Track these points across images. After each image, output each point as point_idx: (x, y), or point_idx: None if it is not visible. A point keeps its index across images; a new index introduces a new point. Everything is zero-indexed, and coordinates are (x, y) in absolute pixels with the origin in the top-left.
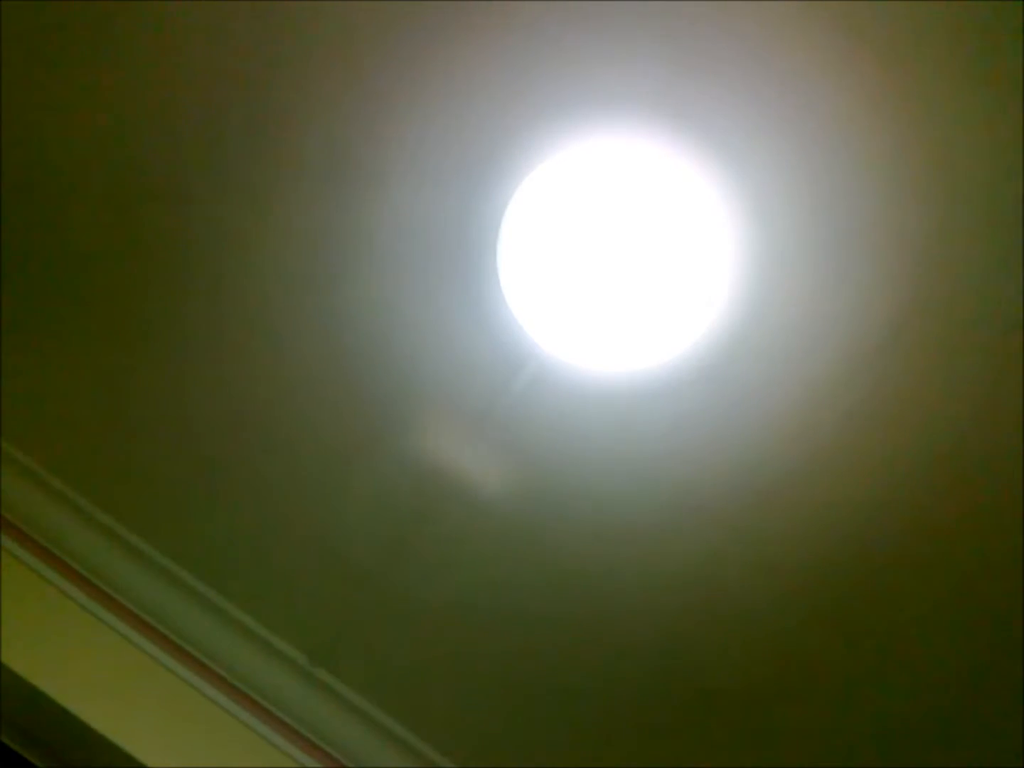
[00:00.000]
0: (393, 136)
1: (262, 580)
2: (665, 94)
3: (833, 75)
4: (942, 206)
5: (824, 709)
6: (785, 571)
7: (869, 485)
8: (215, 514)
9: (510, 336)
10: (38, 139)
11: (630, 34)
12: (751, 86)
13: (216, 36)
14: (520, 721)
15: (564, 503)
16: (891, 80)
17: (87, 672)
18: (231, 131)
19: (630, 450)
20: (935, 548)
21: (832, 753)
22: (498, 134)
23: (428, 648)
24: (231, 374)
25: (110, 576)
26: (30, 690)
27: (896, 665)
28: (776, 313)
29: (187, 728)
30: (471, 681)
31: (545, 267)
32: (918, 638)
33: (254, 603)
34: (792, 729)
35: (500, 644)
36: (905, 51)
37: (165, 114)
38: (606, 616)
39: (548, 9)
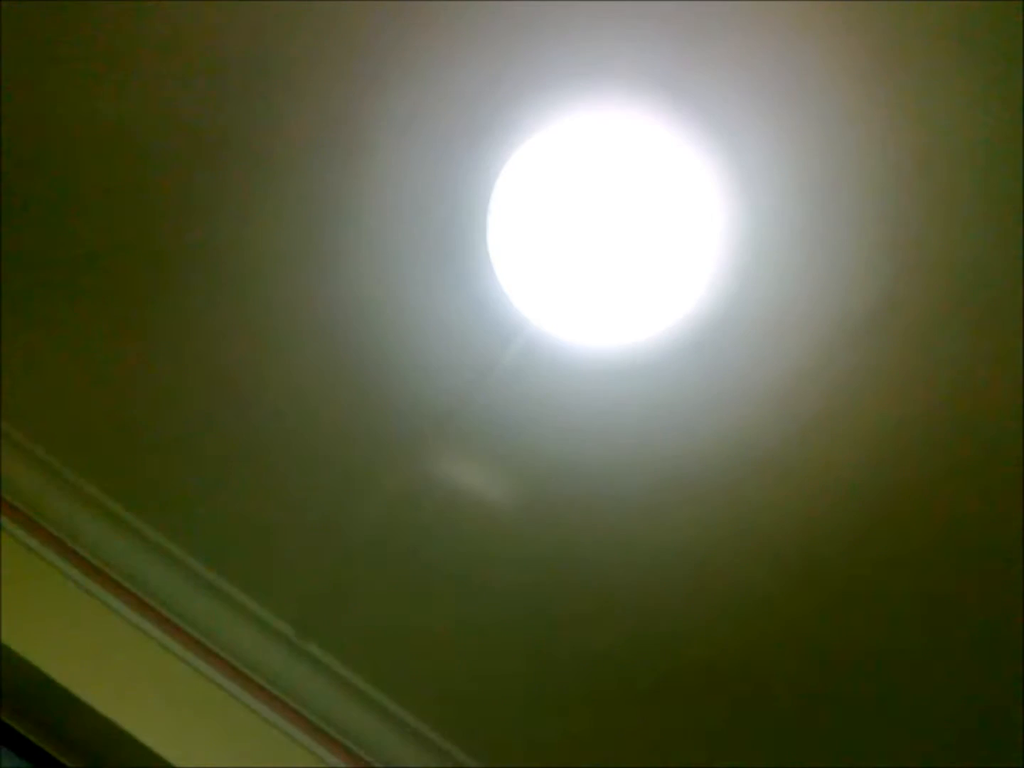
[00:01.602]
0: (382, 108)
1: (258, 559)
2: (657, 68)
3: (827, 56)
4: (933, 187)
5: (818, 683)
6: (775, 544)
7: (859, 459)
8: (213, 495)
9: (499, 310)
10: (39, 123)
11: (624, 8)
12: (745, 64)
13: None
14: (509, 692)
15: (554, 478)
16: (886, 62)
17: (86, 651)
18: (220, 100)
19: (619, 424)
20: (926, 522)
21: (824, 726)
22: (489, 106)
23: (418, 621)
24: (219, 348)
25: (108, 555)
26: (30, 669)
27: (886, 640)
28: (765, 287)
29: (184, 706)
30: (460, 653)
31: (535, 241)
32: (910, 614)
33: (249, 580)
34: (784, 703)
35: (488, 615)
36: (900, 35)
37: (160, 89)
38: (594, 589)
39: None
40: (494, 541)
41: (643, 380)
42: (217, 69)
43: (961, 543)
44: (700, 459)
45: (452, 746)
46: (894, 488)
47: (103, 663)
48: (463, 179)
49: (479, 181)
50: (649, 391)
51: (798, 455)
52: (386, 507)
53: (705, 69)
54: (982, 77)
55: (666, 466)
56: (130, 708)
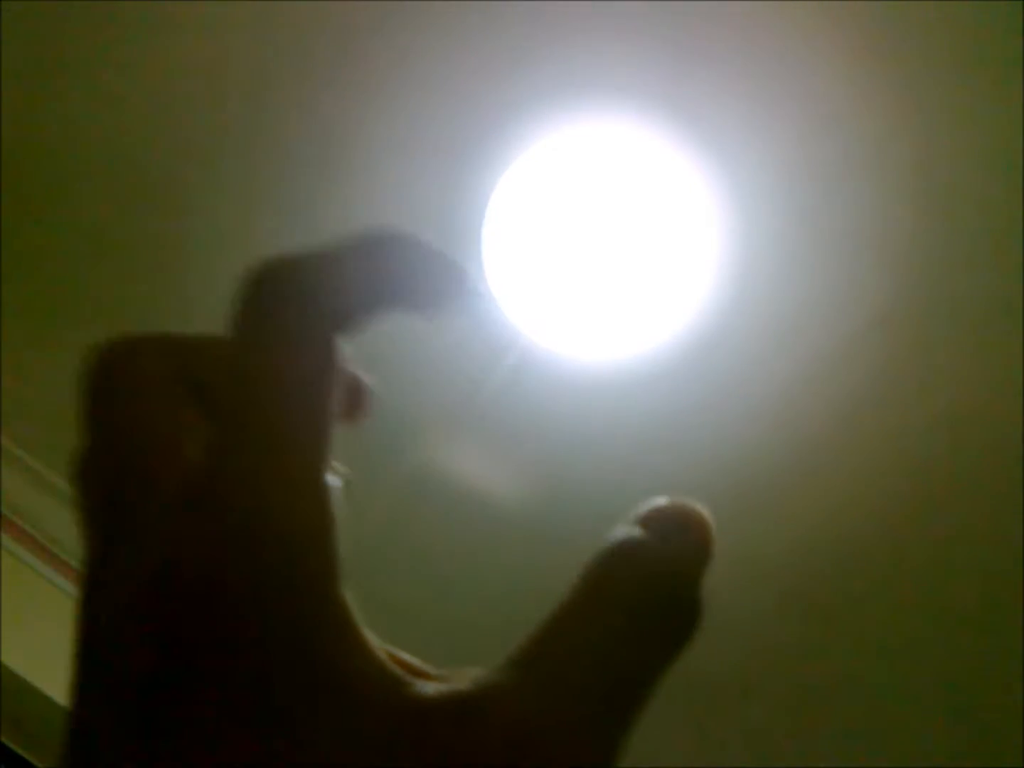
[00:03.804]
0: (377, 121)
1: None
2: (655, 82)
3: (824, 66)
4: (931, 197)
5: (809, 704)
6: (771, 561)
7: (857, 474)
8: None
9: (494, 324)
10: (39, 125)
11: (622, 20)
12: (741, 76)
13: (209, 13)
14: None
15: (546, 494)
16: (883, 71)
17: None
18: (214, 111)
19: (613, 439)
20: (926, 539)
21: (808, 747)
22: (485, 119)
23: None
24: None
25: None
26: (28, 688)
27: (884, 659)
28: (763, 301)
29: None
30: (457, 660)
31: (530, 254)
32: (908, 632)
33: None
34: (775, 722)
35: (486, 622)
36: (897, 44)
37: (157, 99)
38: None
39: None
40: (485, 556)
41: (638, 395)
42: (211, 80)
43: (970, 569)
44: (695, 475)
45: None
46: (895, 505)
47: None
48: (459, 192)
49: (475, 194)
50: (643, 406)
51: (797, 470)
52: (377, 519)
53: (703, 84)
54: (984, 86)
55: (660, 482)
56: None
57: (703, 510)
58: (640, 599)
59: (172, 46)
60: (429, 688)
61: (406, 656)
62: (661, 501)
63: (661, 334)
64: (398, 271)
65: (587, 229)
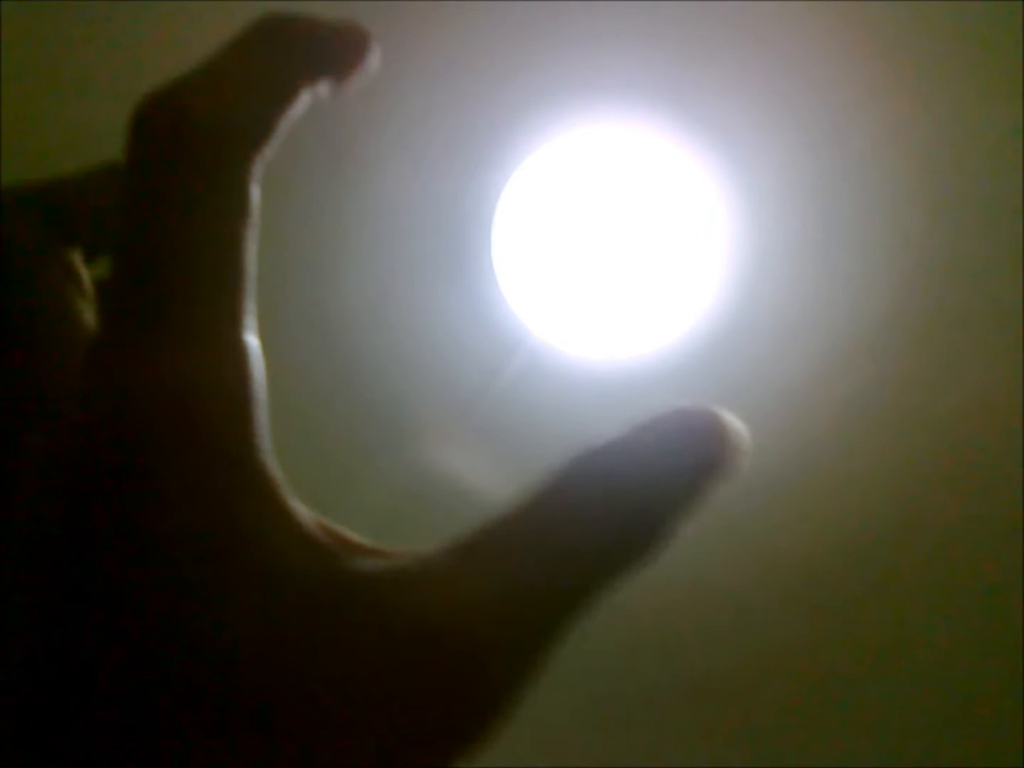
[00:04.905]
0: (385, 116)
1: None
2: (665, 81)
3: (836, 66)
4: (941, 198)
5: (809, 704)
6: (776, 561)
7: (864, 474)
8: None
9: (504, 324)
10: (35, 128)
11: (632, 18)
12: (752, 76)
13: (211, 12)
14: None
15: None
16: (892, 73)
17: None
18: None
19: None
20: (930, 539)
21: (808, 747)
22: (495, 117)
23: None
24: None
25: None
26: None
27: (886, 660)
28: (773, 300)
29: None
30: None
31: (540, 254)
32: (911, 632)
33: None
34: (770, 724)
35: None
36: (906, 45)
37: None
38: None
39: None
40: None
41: (647, 395)
42: None
43: (978, 569)
44: None
45: None
46: (900, 504)
47: None
48: (468, 190)
49: (485, 193)
50: (654, 406)
51: (806, 470)
52: (381, 520)
53: (714, 83)
54: (999, 87)
55: None
56: None
57: (731, 427)
58: (592, 516)
59: (174, 46)
60: (364, 562)
61: (344, 530)
62: (679, 406)
63: (671, 333)
64: (292, 56)
65: (597, 229)
